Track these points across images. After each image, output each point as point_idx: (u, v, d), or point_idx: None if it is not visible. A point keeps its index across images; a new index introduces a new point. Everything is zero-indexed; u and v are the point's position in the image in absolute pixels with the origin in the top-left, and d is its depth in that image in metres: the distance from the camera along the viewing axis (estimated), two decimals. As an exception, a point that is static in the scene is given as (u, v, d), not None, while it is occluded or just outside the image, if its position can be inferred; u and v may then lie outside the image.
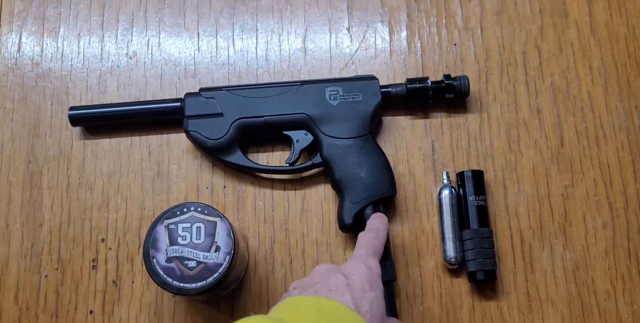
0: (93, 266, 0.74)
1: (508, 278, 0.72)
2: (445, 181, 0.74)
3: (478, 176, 0.73)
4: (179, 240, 0.63)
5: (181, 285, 0.62)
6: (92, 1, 0.83)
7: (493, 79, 0.78)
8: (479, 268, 0.69)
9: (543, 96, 0.78)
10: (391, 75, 0.79)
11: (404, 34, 0.81)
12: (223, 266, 0.63)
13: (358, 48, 0.80)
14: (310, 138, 0.74)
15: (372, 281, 0.57)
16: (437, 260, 0.73)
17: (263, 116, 0.74)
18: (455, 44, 0.80)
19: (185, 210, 0.64)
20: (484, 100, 0.78)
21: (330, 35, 0.81)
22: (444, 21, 0.81)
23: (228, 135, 0.73)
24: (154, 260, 0.63)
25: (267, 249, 0.74)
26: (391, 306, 0.68)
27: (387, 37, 0.81)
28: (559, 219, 0.74)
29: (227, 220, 0.64)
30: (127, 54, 0.81)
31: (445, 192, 0.73)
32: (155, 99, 0.79)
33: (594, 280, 0.72)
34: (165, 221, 0.64)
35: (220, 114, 0.74)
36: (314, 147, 0.74)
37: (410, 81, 0.75)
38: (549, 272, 0.72)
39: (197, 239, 0.63)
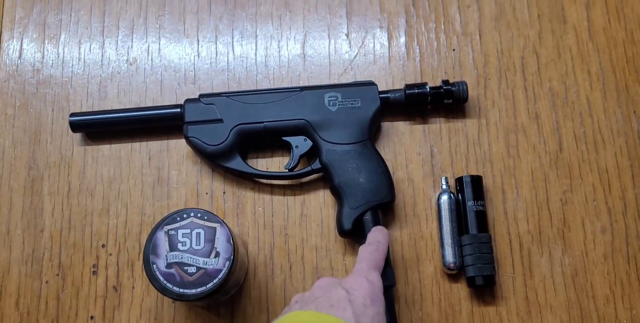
0: (93, 272, 0.74)
1: (507, 283, 0.72)
2: (444, 187, 0.74)
3: (477, 181, 0.73)
4: (179, 245, 0.64)
5: (181, 290, 0.62)
6: (92, 8, 0.83)
7: (491, 85, 0.79)
8: (477, 274, 0.69)
9: (541, 101, 0.78)
10: (390, 80, 0.80)
11: (402, 39, 0.81)
12: (223, 272, 0.63)
13: (357, 54, 0.81)
14: (309, 143, 0.74)
15: (373, 296, 0.57)
16: (436, 265, 0.73)
17: (262, 122, 0.74)
18: (453, 50, 0.80)
19: (185, 215, 0.65)
20: (482, 105, 0.78)
21: (329, 41, 0.81)
22: (443, 27, 0.81)
23: (228, 141, 0.74)
24: (154, 265, 0.63)
25: (267, 254, 0.74)
26: (390, 311, 0.68)
27: (386, 43, 0.81)
28: (557, 224, 0.74)
29: (227, 226, 0.64)
30: (127, 60, 0.82)
31: (444, 197, 0.73)
32: (155, 105, 0.79)
33: (592, 285, 0.72)
34: (165, 227, 0.64)
35: (220, 120, 0.74)
36: (313, 153, 0.74)
37: (408, 86, 0.76)
38: (548, 277, 0.72)
39: (196, 245, 0.64)
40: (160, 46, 0.82)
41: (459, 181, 0.73)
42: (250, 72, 0.81)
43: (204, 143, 0.74)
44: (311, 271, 0.73)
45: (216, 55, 0.81)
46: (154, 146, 0.78)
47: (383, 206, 0.72)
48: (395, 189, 0.73)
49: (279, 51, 0.81)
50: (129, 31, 0.83)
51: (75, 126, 0.76)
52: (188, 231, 0.64)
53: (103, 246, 0.75)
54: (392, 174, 0.74)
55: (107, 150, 0.78)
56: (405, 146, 0.77)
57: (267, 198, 0.76)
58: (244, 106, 0.74)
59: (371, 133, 0.74)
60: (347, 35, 0.81)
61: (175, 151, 0.78)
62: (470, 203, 0.72)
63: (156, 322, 0.72)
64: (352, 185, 0.71)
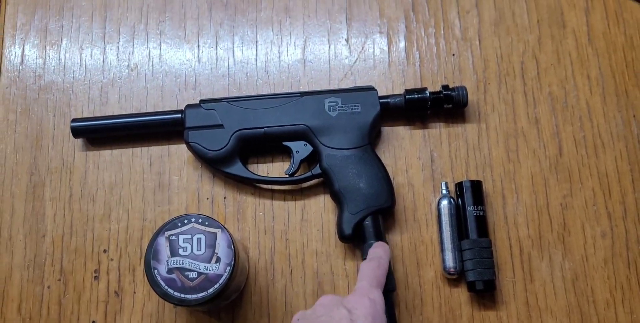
0: (95, 277, 0.74)
1: (507, 287, 0.72)
2: (444, 191, 0.74)
3: (477, 186, 0.73)
4: (180, 251, 0.64)
5: (182, 296, 0.63)
6: (93, 14, 0.84)
7: (491, 90, 0.79)
8: (478, 278, 0.70)
9: (541, 105, 0.78)
10: (390, 86, 0.80)
11: (402, 44, 0.81)
12: (224, 277, 0.63)
13: (357, 59, 0.81)
14: (309, 148, 0.74)
15: (375, 315, 0.57)
16: (437, 270, 0.73)
17: (263, 127, 0.74)
18: (453, 55, 0.80)
19: (186, 221, 0.65)
20: (482, 110, 0.78)
21: (329, 47, 0.82)
22: (442, 32, 0.81)
23: (228, 146, 0.74)
24: (155, 271, 0.63)
25: (267, 259, 0.74)
26: (391, 316, 0.68)
27: (386, 48, 0.81)
28: (557, 228, 0.74)
29: (228, 231, 0.64)
30: (128, 66, 0.82)
31: (444, 202, 0.73)
32: (156, 110, 0.79)
33: (593, 289, 0.72)
34: (166, 232, 0.65)
35: (221, 126, 0.74)
36: (313, 158, 0.74)
37: (408, 91, 0.76)
38: (548, 282, 0.72)
39: (197, 250, 0.64)
40: (161, 51, 0.82)
41: (459, 186, 0.74)
42: (251, 77, 0.81)
43: (204, 148, 0.74)
44: (312, 276, 0.73)
45: (217, 60, 0.82)
46: (155, 151, 0.78)
47: (383, 211, 0.72)
48: (395, 194, 0.73)
49: (279, 57, 0.82)
50: (130, 37, 0.83)
51: (76, 132, 0.77)
52: (189, 236, 0.64)
53: (104, 251, 0.75)
54: (392, 179, 0.74)
55: (109, 155, 0.78)
56: (406, 151, 0.77)
57: (267, 203, 0.76)
58: (244, 112, 0.75)
59: (371, 138, 0.74)
60: (347, 40, 0.82)
61: (176, 156, 0.78)
62: (470, 207, 0.72)
63: (157, 327, 0.73)
64: (352, 190, 0.71)
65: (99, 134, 0.78)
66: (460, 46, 0.81)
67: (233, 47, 0.82)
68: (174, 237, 0.64)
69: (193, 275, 0.63)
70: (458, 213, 0.73)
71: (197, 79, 0.81)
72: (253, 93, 0.80)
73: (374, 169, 0.72)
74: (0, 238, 0.76)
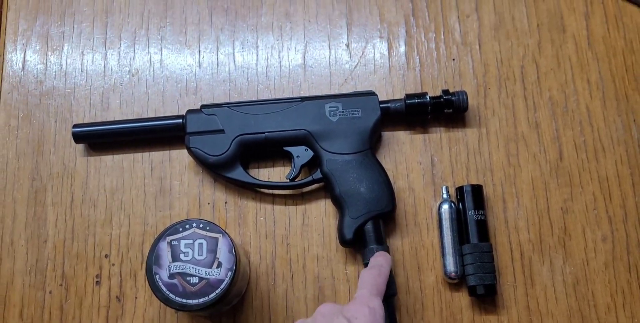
0: (97, 282, 0.74)
1: (508, 292, 0.72)
2: (444, 196, 0.74)
3: (477, 190, 0.73)
4: (182, 256, 0.64)
5: (184, 301, 0.63)
6: (95, 20, 0.84)
7: (491, 94, 0.79)
8: (479, 283, 0.70)
9: (541, 110, 0.78)
10: (390, 90, 0.80)
11: (402, 49, 0.81)
12: (225, 282, 0.63)
13: (357, 64, 0.81)
14: (310, 153, 0.75)
15: None
16: (437, 275, 0.73)
17: (264, 132, 0.74)
18: (453, 59, 0.81)
19: (187, 226, 0.65)
20: (482, 115, 0.78)
21: (330, 52, 0.82)
22: (442, 37, 0.81)
23: (229, 151, 0.74)
24: (157, 276, 0.63)
25: (269, 264, 0.74)
26: (392, 321, 0.68)
27: (386, 53, 0.81)
28: (558, 233, 0.74)
29: (229, 236, 0.64)
30: (129, 71, 0.82)
31: (445, 207, 0.73)
32: (157, 116, 0.80)
33: (594, 293, 0.72)
34: (167, 237, 0.65)
35: (222, 131, 0.75)
36: (314, 163, 0.75)
37: (409, 96, 0.76)
38: (549, 286, 0.72)
39: (199, 255, 0.64)
40: (162, 56, 0.83)
41: (460, 190, 0.74)
42: (252, 82, 0.81)
43: (205, 153, 0.74)
44: (313, 280, 0.73)
45: (217, 65, 0.82)
46: (156, 156, 0.78)
47: (384, 216, 0.72)
48: (396, 198, 0.73)
49: (280, 62, 0.82)
50: (131, 42, 0.83)
51: (78, 137, 0.77)
52: (190, 241, 0.65)
53: (106, 256, 0.75)
54: (392, 183, 0.74)
55: (110, 161, 0.79)
56: (406, 155, 0.77)
57: (268, 207, 0.76)
58: (245, 117, 0.75)
59: (372, 143, 0.74)
60: (347, 45, 0.82)
61: (177, 161, 0.78)
62: (471, 212, 0.72)
63: (159, 332, 0.73)
64: (353, 195, 0.72)
65: (101, 139, 0.78)
66: (461, 50, 0.81)
67: (234, 52, 0.82)
68: (175, 242, 0.64)
69: (194, 280, 0.63)
70: (459, 218, 0.73)
71: (198, 84, 0.81)
72: (254, 98, 0.80)
73: (375, 173, 0.72)
74: (2, 243, 0.76)
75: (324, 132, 0.74)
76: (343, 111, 0.75)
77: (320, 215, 0.75)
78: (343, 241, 0.71)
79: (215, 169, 0.75)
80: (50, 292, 0.74)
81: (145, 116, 0.80)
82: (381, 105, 0.75)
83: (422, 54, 0.81)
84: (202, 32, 0.83)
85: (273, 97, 0.80)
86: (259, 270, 0.74)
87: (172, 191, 0.77)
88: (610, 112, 0.78)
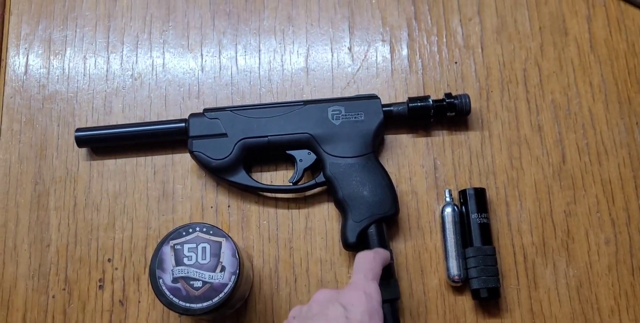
0: (100, 286, 0.74)
1: (512, 295, 0.72)
2: (447, 199, 0.74)
3: (480, 193, 0.73)
4: (185, 260, 0.64)
5: (187, 305, 0.63)
6: (97, 24, 0.84)
7: (494, 97, 0.79)
8: (482, 286, 0.70)
9: (544, 113, 0.78)
10: (393, 94, 0.80)
11: (405, 52, 0.81)
12: (229, 286, 0.63)
13: (359, 67, 0.81)
14: (313, 157, 0.75)
15: (371, 311, 0.56)
16: (441, 278, 0.73)
17: (266, 136, 0.74)
18: (456, 63, 0.81)
19: (190, 230, 0.65)
20: (485, 118, 0.78)
21: (332, 55, 0.82)
22: (445, 40, 0.81)
23: (232, 155, 0.74)
24: (160, 280, 0.63)
25: (272, 268, 0.74)
26: (395, 325, 0.68)
27: (388, 56, 0.81)
28: (561, 236, 0.74)
29: (232, 240, 0.64)
30: (132, 75, 0.82)
31: (448, 210, 0.73)
32: (159, 120, 0.80)
33: (597, 296, 0.72)
34: (171, 241, 0.65)
35: (224, 135, 0.75)
36: (317, 166, 0.75)
37: (411, 99, 0.76)
38: (553, 289, 0.72)
39: (202, 259, 0.64)
40: (165, 60, 0.83)
41: (463, 193, 0.74)
42: (254, 86, 0.81)
43: (208, 157, 0.74)
44: (316, 284, 0.73)
45: (220, 69, 0.82)
46: (159, 160, 0.78)
47: (387, 219, 0.72)
48: (399, 202, 0.73)
49: (282, 65, 0.82)
50: (133, 46, 0.83)
51: (80, 141, 0.77)
52: (194, 245, 0.65)
53: (109, 260, 0.75)
54: (395, 187, 0.74)
55: (113, 165, 0.79)
56: (409, 158, 0.77)
57: (271, 211, 0.76)
58: (248, 120, 0.75)
59: (375, 146, 0.74)
60: (349, 48, 0.82)
61: (180, 165, 0.78)
62: (474, 215, 0.72)
63: (162, 336, 0.73)
64: (356, 198, 0.72)
65: (103, 143, 0.78)
66: (463, 53, 0.81)
67: (236, 56, 0.82)
68: (178, 246, 0.64)
69: (198, 284, 0.63)
70: (462, 221, 0.73)
71: (201, 88, 0.81)
72: (256, 102, 0.80)
73: (378, 177, 0.72)
74: (4, 247, 0.76)
75: (327, 135, 0.74)
76: (346, 115, 0.75)
77: (323, 218, 0.75)
78: (346, 244, 0.71)
79: (218, 173, 0.75)
80: (53, 296, 0.74)
81: (147, 120, 0.80)
82: (384, 108, 0.75)
83: (425, 57, 0.81)
84: (204, 36, 0.83)
85: (275, 100, 0.80)
86: (262, 273, 0.74)
87: (174, 195, 0.77)
88: (613, 115, 0.78)
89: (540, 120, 0.78)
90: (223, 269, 0.64)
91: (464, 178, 0.76)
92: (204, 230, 0.65)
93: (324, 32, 0.83)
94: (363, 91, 0.80)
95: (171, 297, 0.63)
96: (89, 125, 0.80)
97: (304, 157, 0.75)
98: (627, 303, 0.72)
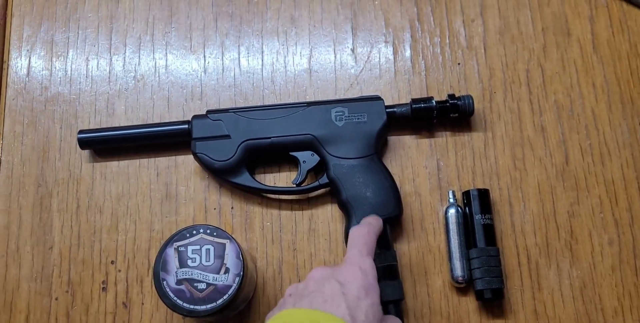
0: (103, 288, 0.74)
1: (515, 296, 0.72)
2: (451, 200, 0.74)
3: (484, 195, 0.73)
4: (189, 262, 0.64)
5: (191, 307, 0.63)
6: (99, 26, 0.84)
7: (497, 98, 0.79)
8: (486, 287, 0.70)
9: (547, 114, 0.78)
10: (396, 95, 0.80)
11: (408, 54, 0.81)
12: (233, 288, 0.63)
13: (363, 68, 0.81)
14: (316, 158, 0.74)
15: (367, 287, 0.58)
16: (445, 279, 0.73)
17: (270, 138, 0.74)
18: (459, 64, 0.81)
19: (194, 232, 0.65)
20: (488, 119, 0.78)
21: (335, 56, 0.82)
22: (448, 41, 0.81)
23: (235, 157, 0.74)
24: (164, 282, 0.63)
25: (275, 269, 0.74)
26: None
27: (391, 58, 0.81)
28: (565, 236, 0.74)
29: (236, 242, 0.64)
30: (134, 77, 0.82)
31: (452, 211, 0.73)
32: (162, 121, 0.80)
33: (601, 297, 0.72)
34: (174, 243, 0.65)
35: (228, 136, 0.75)
36: (320, 167, 0.75)
37: (414, 101, 0.76)
38: (556, 290, 0.72)
39: (206, 261, 0.64)
40: (167, 62, 0.83)
41: (466, 194, 0.74)
42: (257, 87, 0.81)
43: (211, 158, 0.74)
44: (320, 286, 0.73)
45: (223, 71, 0.82)
46: (162, 162, 0.78)
47: (391, 221, 0.72)
48: (402, 203, 0.73)
49: (285, 67, 0.82)
50: (136, 48, 0.83)
51: (83, 143, 0.77)
52: (198, 247, 0.65)
53: (112, 262, 0.75)
54: (399, 188, 0.74)
55: (115, 166, 0.78)
56: (412, 160, 0.77)
57: (275, 213, 0.76)
58: (251, 122, 0.75)
59: (378, 147, 0.74)
60: (352, 50, 0.82)
61: (183, 167, 0.78)
62: (477, 216, 0.72)
63: (166, 338, 0.72)
64: (359, 199, 0.72)
65: (106, 145, 0.78)
66: (466, 54, 0.81)
67: (239, 57, 0.82)
68: (182, 248, 0.64)
69: (202, 286, 0.63)
70: (465, 222, 0.73)
71: (204, 90, 0.81)
72: (259, 103, 0.80)
73: (381, 178, 0.72)
74: (7, 250, 0.76)
75: (330, 137, 0.74)
76: (349, 116, 0.75)
77: (327, 219, 0.75)
78: (350, 246, 0.71)
79: (221, 175, 0.75)
80: (56, 299, 0.74)
81: (150, 121, 0.80)
82: (387, 110, 0.75)
83: (428, 59, 0.81)
84: (207, 37, 0.83)
85: (279, 102, 0.80)
86: (266, 275, 0.74)
87: (178, 197, 0.77)
88: (616, 116, 0.78)
89: (543, 121, 0.78)
90: (227, 271, 0.64)
91: (467, 179, 0.76)
92: (208, 231, 0.65)
93: (326, 34, 0.83)
94: (366, 93, 0.80)
95: (175, 298, 0.63)
96: (91, 127, 0.80)
97: (308, 158, 0.75)
98: (631, 304, 0.72)
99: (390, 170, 0.75)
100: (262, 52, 0.83)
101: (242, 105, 0.80)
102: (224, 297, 0.63)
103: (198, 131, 0.75)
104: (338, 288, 0.56)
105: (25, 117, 0.81)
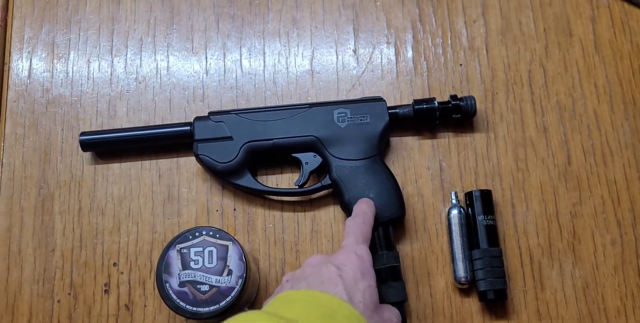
0: (105, 290, 0.74)
1: (518, 297, 0.72)
2: (453, 201, 0.74)
3: (486, 195, 0.73)
4: (192, 264, 0.64)
5: (194, 309, 0.63)
6: (101, 27, 0.84)
7: (499, 99, 0.79)
8: (489, 288, 0.70)
9: (549, 114, 0.78)
10: (398, 96, 0.80)
11: (410, 55, 0.81)
12: (235, 289, 0.63)
13: (365, 69, 0.81)
14: (319, 160, 0.74)
15: (363, 270, 0.59)
16: (447, 280, 0.73)
17: (272, 139, 0.74)
18: (461, 65, 0.81)
19: (197, 234, 0.65)
20: (490, 119, 0.78)
21: (337, 57, 0.82)
22: (450, 42, 0.81)
23: (237, 158, 0.74)
24: (167, 284, 0.63)
25: (278, 271, 0.74)
26: (403, 327, 0.68)
27: (394, 59, 0.81)
28: (567, 237, 0.74)
29: (239, 244, 0.64)
30: (136, 78, 0.82)
31: (454, 212, 0.73)
32: (164, 123, 0.79)
33: (604, 297, 0.72)
34: (177, 245, 0.65)
35: (230, 138, 0.75)
36: (323, 169, 0.74)
37: (417, 102, 0.76)
38: (559, 290, 0.72)
39: (209, 263, 0.64)
40: (169, 63, 0.83)
41: (469, 195, 0.74)
42: (259, 89, 0.81)
43: (213, 160, 0.74)
44: (323, 287, 0.73)
45: (224, 72, 0.82)
46: (164, 164, 0.78)
47: (393, 222, 0.72)
48: (405, 204, 0.73)
49: (287, 68, 0.82)
50: (137, 50, 0.83)
51: (85, 145, 0.77)
52: (200, 249, 0.65)
53: (114, 264, 0.75)
54: (401, 189, 0.74)
55: (117, 168, 0.78)
56: (415, 161, 0.77)
57: (277, 214, 0.76)
58: (253, 123, 0.75)
59: (380, 149, 0.74)
60: (354, 51, 0.82)
61: (185, 168, 0.78)
62: (480, 217, 0.72)
63: (169, 340, 0.72)
64: (362, 201, 0.72)
65: (108, 147, 0.78)
66: (468, 55, 0.81)
67: (241, 58, 0.82)
68: (185, 250, 0.64)
69: (205, 288, 0.63)
70: (468, 223, 0.73)
71: (205, 91, 0.81)
72: (261, 105, 0.80)
73: (384, 179, 0.72)
74: (9, 252, 0.76)
75: (333, 138, 0.74)
76: (351, 117, 0.75)
77: (330, 221, 0.75)
78: (353, 247, 0.71)
79: (224, 176, 0.75)
80: (58, 301, 0.74)
81: (152, 123, 0.80)
82: (389, 111, 0.75)
83: (430, 60, 0.81)
84: (208, 39, 0.83)
85: (281, 103, 0.80)
86: (269, 277, 0.74)
87: (180, 199, 0.77)
88: (618, 116, 0.78)
89: (546, 121, 0.78)
90: (230, 273, 0.64)
91: (469, 180, 0.76)
92: (211, 233, 0.65)
93: (328, 35, 0.83)
94: (368, 94, 0.80)
95: (178, 301, 0.63)
96: (93, 129, 0.80)
97: (310, 160, 0.75)
98: (634, 304, 0.72)
99: (392, 171, 0.75)
100: (264, 53, 0.83)
101: (244, 106, 0.80)
102: (227, 299, 0.63)
103: (200, 133, 0.75)
104: (335, 271, 0.58)
105: (26, 120, 0.81)
